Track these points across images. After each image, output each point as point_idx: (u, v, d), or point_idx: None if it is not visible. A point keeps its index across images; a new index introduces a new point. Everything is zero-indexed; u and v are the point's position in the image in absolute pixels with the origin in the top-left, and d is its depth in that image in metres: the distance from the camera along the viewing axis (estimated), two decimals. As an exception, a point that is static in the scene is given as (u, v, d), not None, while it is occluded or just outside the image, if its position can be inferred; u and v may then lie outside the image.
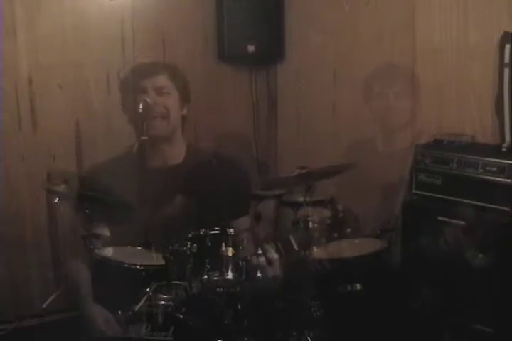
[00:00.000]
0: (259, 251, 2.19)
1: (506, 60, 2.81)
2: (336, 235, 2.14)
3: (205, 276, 2.08)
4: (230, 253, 2.09)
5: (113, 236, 2.36)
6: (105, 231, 2.41)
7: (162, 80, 2.54)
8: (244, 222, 2.66)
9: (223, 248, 2.10)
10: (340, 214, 2.16)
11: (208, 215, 2.45)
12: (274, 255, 2.21)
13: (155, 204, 2.43)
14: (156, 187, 2.41)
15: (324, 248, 2.88)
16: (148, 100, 2.44)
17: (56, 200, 2.46)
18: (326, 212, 2.16)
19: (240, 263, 2.14)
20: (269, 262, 2.20)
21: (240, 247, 2.14)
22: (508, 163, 2.66)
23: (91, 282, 2.30)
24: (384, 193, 3.26)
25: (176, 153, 2.62)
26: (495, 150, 2.80)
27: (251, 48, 3.64)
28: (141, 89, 2.51)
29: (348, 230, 2.15)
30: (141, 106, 2.39)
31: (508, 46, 2.80)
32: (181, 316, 2.08)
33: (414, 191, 2.94)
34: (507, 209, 2.63)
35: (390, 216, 3.10)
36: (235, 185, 2.62)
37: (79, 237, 2.28)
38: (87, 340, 2.33)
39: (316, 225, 2.21)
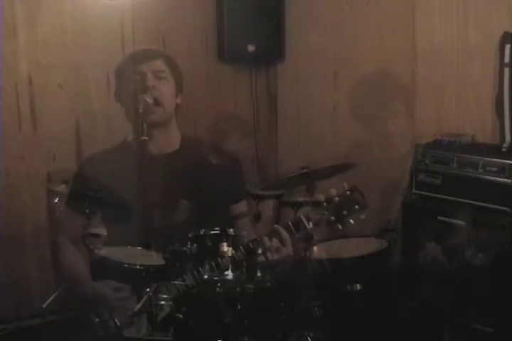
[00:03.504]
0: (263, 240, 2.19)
1: (506, 60, 2.81)
2: (345, 212, 2.14)
3: (205, 276, 2.08)
4: (230, 253, 2.09)
5: (113, 236, 2.35)
6: (102, 231, 2.41)
7: (159, 64, 2.56)
8: (242, 205, 2.68)
9: (223, 248, 2.09)
10: (347, 192, 2.16)
11: (208, 205, 2.46)
12: (285, 234, 2.22)
13: (153, 198, 2.43)
14: (149, 176, 2.40)
15: (324, 248, 2.90)
16: (149, 100, 2.44)
17: (56, 200, 2.46)
18: (333, 191, 2.16)
19: (251, 245, 2.15)
20: (282, 242, 2.21)
21: (240, 247, 2.14)
22: (508, 163, 2.66)
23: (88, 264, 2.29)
24: (384, 193, 3.27)
25: (171, 141, 2.62)
26: (495, 150, 2.80)
27: (251, 48, 3.65)
28: (140, 74, 2.51)
29: (357, 207, 2.15)
30: (141, 106, 2.39)
31: (508, 46, 2.80)
32: (181, 316, 2.08)
33: (414, 191, 2.94)
34: (507, 209, 2.63)
35: (390, 216, 3.10)
36: (230, 172, 2.64)
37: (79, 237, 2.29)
38: (87, 340, 2.32)
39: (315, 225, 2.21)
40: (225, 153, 2.71)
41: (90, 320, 2.28)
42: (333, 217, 2.17)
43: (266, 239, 2.20)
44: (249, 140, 3.82)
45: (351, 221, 2.18)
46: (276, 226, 2.25)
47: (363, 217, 2.20)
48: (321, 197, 2.19)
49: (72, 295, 2.50)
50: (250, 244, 2.16)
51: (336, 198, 2.17)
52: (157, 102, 2.47)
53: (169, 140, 2.61)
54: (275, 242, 2.21)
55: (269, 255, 2.20)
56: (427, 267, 2.72)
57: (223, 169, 2.60)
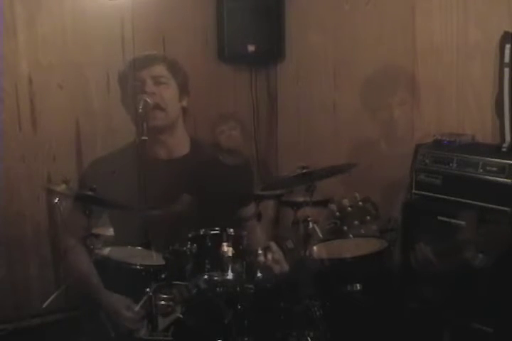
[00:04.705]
0: (261, 251, 2.19)
1: (506, 59, 2.81)
2: (356, 223, 2.15)
3: (205, 276, 2.08)
4: (230, 253, 2.09)
5: (116, 236, 2.36)
6: (108, 231, 2.41)
7: (159, 70, 2.53)
8: (252, 208, 2.70)
9: (223, 248, 2.09)
10: (360, 202, 2.17)
11: (217, 208, 2.44)
12: (278, 252, 2.21)
13: (160, 198, 2.42)
14: (160, 180, 2.40)
15: (324, 248, 2.90)
16: (148, 100, 2.43)
17: (56, 200, 2.45)
18: (346, 201, 2.17)
19: (245, 257, 2.14)
20: (275, 260, 2.20)
21: (240, 247, 2.14)
22: (508, 163, 2.66)
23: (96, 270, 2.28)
24: (384, 193, 3.27)
25: (180, 145, 2.61)
26: (495, 150, 2.80)
27: (251, 48, 3.65)
28: (140, 80, 2.50)
29: (368, 217, 2.16)
30: (141, 106, 2.38)
31: (508, 46, 2.80)
32: (181, 316, 2.08)
33: (414, 191, 2.94)
34: (507, 209, 2.63)
35: (390, 216, 3.10)
36: (241, 175, 2.64)
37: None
38: (87, 340, 2.32)
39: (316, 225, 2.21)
40: (236, 156, 2.71)
41: (92, 319, 2.29)
42: (345, 227, 2.17)
43: (260, 255, 2.18)
44: (249, 140, 3.82)
45: (362, 231, 2.19)
46: (270, 243, 2.23)
47: (374, 227, 2.20)
48: (334, 207, 2.19)
49: (77, 294, 2.49)
50: (245, 257, 2.14)
51: (349, 208, 2.17)
52: (159, 107, 2.44)
53: (178, 144, 2.58)
54: (269, 259, 2.19)
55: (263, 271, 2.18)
56: (418, 268, 2.72)
57: (234, 172, 2.60)
